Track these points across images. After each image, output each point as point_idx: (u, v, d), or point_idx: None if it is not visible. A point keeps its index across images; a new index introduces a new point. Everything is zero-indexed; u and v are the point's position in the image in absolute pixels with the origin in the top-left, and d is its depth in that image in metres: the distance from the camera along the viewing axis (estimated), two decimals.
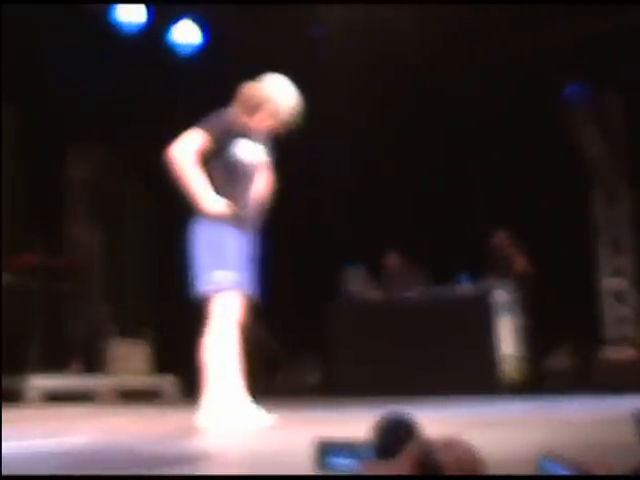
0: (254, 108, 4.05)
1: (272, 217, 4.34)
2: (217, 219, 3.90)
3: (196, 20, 9.35)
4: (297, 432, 3.53)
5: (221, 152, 3.98)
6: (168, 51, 9.27)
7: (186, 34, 9.39)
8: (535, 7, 8.29)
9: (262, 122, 4.08)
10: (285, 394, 8.51)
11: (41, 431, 3.81)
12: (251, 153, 4.07)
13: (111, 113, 8.57)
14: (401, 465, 0.82)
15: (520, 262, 8.32)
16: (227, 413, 3.78)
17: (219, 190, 3.95)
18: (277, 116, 4.05)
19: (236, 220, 3.95)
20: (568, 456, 0.86)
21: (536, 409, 5.30)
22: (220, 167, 3.99)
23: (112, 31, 8.67)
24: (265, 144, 4.17)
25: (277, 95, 4.04)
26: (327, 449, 0.94)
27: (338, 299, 8.50)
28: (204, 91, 9.04)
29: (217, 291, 3.84)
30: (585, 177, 8.82)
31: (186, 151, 3.91)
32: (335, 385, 8.13)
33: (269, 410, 3.94)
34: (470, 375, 7.27)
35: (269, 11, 8.53)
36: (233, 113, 4.10)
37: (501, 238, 8.62)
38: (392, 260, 8.94)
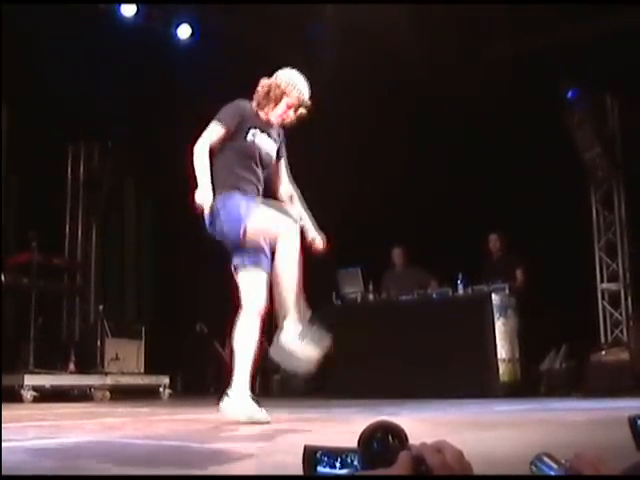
0: (278, 98, 4.18)
1: None
2: (224, 194, 4.02)
3: (196, 19, 9.36)
4: (294, 433, 3.54)
5: (236, 137, 4.11)
6: (167, 49, 9.28)
7: (186, 32, 9.40)
8: (532, 9, 8.31)
9: (282, 113, 4.20)
10: (281, 396, 8.51)
11: (37, 430, 3.81)
12: (266, 142, 4.20)
13: (110, 112, 8.57)
14: (395, 472, 0.83)
15: (514, 265, 8.36)
16: (242, 406, 3.88)
17: (228, 166, 4.08)
18: (301, 100, 4.19)
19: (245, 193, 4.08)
20: (562, 457, 0.87)
21: (531, 411, 5.31)
22: (230, 149, 4.11)
23: (111, 29, 8.68)
24: (279, 139, 4.33)
25: (297, 82, 4.21)
26: (316, 456, 0.93)
27: (334, 301, 8.51)
28: (203, 90, 9.04)
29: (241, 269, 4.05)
30: (582, 180, 8.83)
31: (204, 145, 4.03)
32: (331, 387, 8.12)
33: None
34: (468, 377, 7.27)
35: (269, 11, 8.54)
36: (250, 107, 4.22)
37: (494, 241, 8.64)
38: (397, 255, 8.98)
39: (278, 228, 3.93)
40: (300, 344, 3.75)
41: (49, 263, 8.25)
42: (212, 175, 4.05)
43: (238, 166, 4.11)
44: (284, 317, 3.86)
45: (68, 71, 7.97)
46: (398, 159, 9.51)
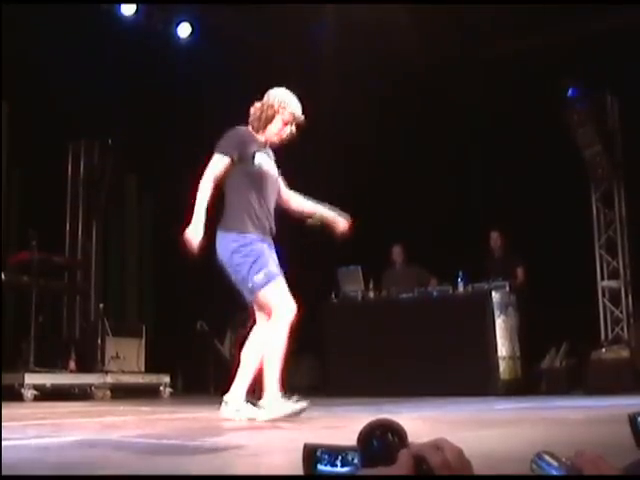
0: (270, 119, 4.25)
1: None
2: (238, 230, 4.08)
3: (196, 18, 9.35)
4: (294, 432, 3.54)
5: (242, 164, 4.16)
6: (167, 47, 9.27)
7: (186, 31, 9.40)
8: (532, 8, 8.31)
9: (279, 131, 4.28)
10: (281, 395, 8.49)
11: (37, 429, 3.81)
12: (269, 165, 4.28)
13: (110, 110, 8.56)
14: (397, 471, 0.82)
15: (515, 263, 8.36)
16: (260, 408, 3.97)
17: (241, 198, 4.14)
18: (294, 118, 4.27)
19: (258, 230, 4.15)
20: (563, 455, 0.87)
21: (531, 409, 5.31)
22: (241, 177, 4.17)
23: (111, 27, 8.68)
24: (273, 158, 4.39)
25: (289, 101, 4.30)
26: (316, 455, 0.92)
27: (334, 299, 8.51)
28: (204, 88, 9.04)
29: (265, 285, 4.04)
30: (582, 178, 8.83)
31: (209, 180, 4.08)
32: (331, 386, 8.13)
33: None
34: (468, 375, 7.27)
35: (269, 9, 8.53)
36: (248, 131, 4.30)
37: (495, 239, 8.64)
38: (397, 253, 8.97)
39: (280, 306, 4.03)
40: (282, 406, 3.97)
41: (49, 261, 8.24)
42: (226, 207, 4.15)
43: (253, 199, 4.16)
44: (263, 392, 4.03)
45: (68, 69, 7.97)
46: (398, 157, 9.51)
